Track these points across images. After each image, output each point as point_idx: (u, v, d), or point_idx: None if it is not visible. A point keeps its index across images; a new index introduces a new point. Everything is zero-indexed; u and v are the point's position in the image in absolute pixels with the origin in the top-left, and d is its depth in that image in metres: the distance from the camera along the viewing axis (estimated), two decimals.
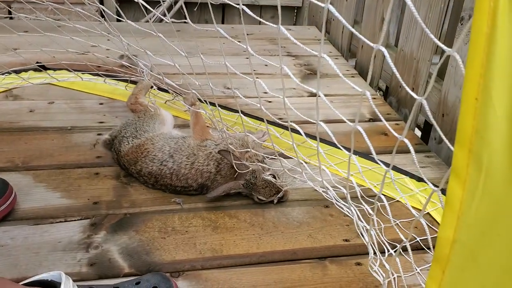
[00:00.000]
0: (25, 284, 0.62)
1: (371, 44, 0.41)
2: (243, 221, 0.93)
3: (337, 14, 0.44)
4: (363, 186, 0.98)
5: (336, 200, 0.96)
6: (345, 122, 0.61)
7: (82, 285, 0.66)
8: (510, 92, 0.37)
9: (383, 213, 0.95)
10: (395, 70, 0.46)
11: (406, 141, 0.53)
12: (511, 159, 0.39)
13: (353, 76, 1.70)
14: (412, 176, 1.09)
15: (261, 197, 0.96)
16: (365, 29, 1.77)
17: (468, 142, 0.39)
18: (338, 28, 2.03)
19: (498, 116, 0.37)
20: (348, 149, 0.57)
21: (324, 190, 0.98)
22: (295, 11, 2.52)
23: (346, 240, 0.90)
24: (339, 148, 1.15)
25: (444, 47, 0.38)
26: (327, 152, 1.14)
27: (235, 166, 0.95)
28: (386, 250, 0.85)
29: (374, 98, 1.55)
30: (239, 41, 0.85)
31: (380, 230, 0.90)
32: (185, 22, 0.80)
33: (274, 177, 0.96)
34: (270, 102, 1.42)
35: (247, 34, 1.95)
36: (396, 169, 1.12)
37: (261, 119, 1.27)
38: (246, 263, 0.84)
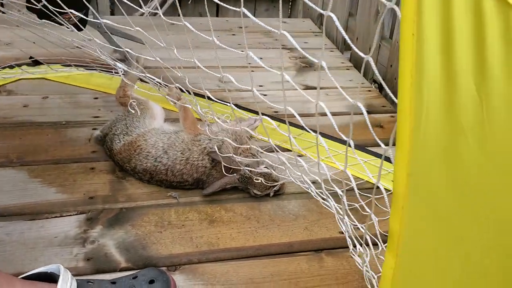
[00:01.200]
0: (24, 278, 0.63)
1: (363, 55, 0.43)
2: (239, 215, 0.94)
3: (341, 29, 0.45)
4: (360, 178, 0.99)
5: (323, 197, 0.96)
6: (340, 115, 0.61)
7: (80, 279, 0.66)
8: (440, 26, 0.41)
9: (378, 205, 0.96)
10: (380, 79, 0.46)
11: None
12: (446, 89, 0.42)
13: (348, 69, 1.70)
14: None
15: (256, 191, 0.96)
16: (360, 22, 1.77)
17: (409, 76, 0.43)
18: (333, 20, 2.02)
19: (431, 49, 0.41)
20: (345, 142, 0.57)
21: (306, 187, 0.98)
22: (290, 3, 2.51)
23: (342, 233, 0.90)
24: (335, 141, 1.16)
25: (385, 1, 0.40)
26: (321, 145, 1.14)
27: (223, 169, 0.94)
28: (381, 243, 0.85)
29: (369, 91, 1.55)
30: (234, 34, 0.84)
31: (375, 223, 0.91)
32: (178, 15, 0.80)
33: (269, 170, 0.96)
34: (265, 95, 1.42)
35: (240, 28, 1.94)
36: (390, 161, 1.12)
37: (256, 112, 1.27)
38: (243, 256, 0.84)
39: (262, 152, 0.97)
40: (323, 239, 0.89)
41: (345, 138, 0.59)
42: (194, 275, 0.79)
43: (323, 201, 0.95)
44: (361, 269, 0.82)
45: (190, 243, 0.85)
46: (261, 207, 0.96)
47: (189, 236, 0.87)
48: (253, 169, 0.96)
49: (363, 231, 0.69)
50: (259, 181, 0.95)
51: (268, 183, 0.95)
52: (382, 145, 0.52)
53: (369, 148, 1.14)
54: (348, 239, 0.81)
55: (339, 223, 0.90)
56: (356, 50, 0.45)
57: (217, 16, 2.44)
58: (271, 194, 0.98)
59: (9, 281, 0.58)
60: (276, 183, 0.96)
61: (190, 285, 0.77)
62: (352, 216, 0.81)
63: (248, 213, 0.94)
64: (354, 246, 0.80)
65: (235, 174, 0.96)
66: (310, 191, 0.93)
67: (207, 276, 0.79)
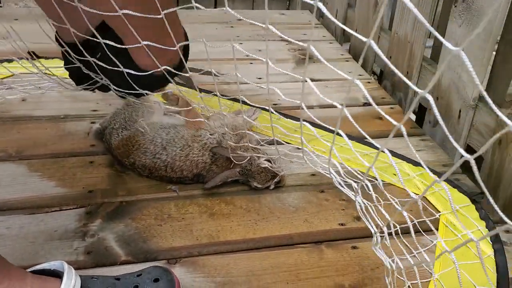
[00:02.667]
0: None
1: (364, 39, 0.40)
2: (239, 207, 0.94)
3: (333, 19, 0.43)
4: (360, 170, 0.99)
5: (340, 181, 0.96)
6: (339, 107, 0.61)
7: (84, 275, 0.66)
8: None
9: (379, 197, 0.96)
10: (387, 61, 0.45)
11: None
12: None
13: (347, 61, 1.70)
14: (408, 160, 1.09)
15: (257, 184, 0.96)
16: (358, 13, 1.76)
17: None
18: (331, 12, 2.01)
19: None
20: (347, 136, 0.57)
21: (326, 172, 0.98)
22: None
23: (342, 224, 0.90)
24: (335, 134, 1.15)
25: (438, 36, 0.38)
26: (324, 138, 1.14)
27: (234, 160, 0.94)
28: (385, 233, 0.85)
29: (369, 82, 1.54)
30: (232, 26, 0.84)
31: (378, 213, 0.91)
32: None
33: (270, 162, 0.96)
34: (264, 88, 1.41)
35: (239, 20, 1.93)
36: (392, 153, 1.12)
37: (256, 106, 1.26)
38: (243, 249, 0.84)
39: (262, 145, 0.97)
40: (323, 231, 0.89)
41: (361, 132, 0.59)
42: (194, 267, 0.79)
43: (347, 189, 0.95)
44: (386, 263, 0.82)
45: (190, 236, 0.86)
46: (261, 199, 0.96)
47: (189, 229, 0.87)
48: (259, 152, 0.96)
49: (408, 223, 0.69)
50: (262, 170, 0.95)
51: (273, 167, 0.95)
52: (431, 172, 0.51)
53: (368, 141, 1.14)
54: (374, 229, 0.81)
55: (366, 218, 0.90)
56: (356, 35, 0.44)
57: (215, 7, 2.43)
58: (272, 186, 0.98)
59: (20, 275, 0.59)
60: (276, 175, 0.96)
61: (190, 278, 0.77)
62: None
63: (248, 205, 0.94)
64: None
65: (236, 168, 0.96)
66: (332, 177, 0.93)
67: (208, 268, 0.79)
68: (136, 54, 0.64)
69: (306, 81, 0.53)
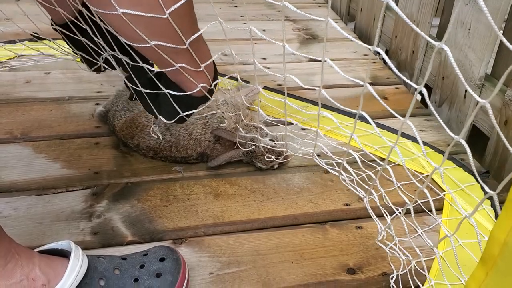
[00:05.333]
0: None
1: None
2: (244, 188, 0.94)
3: None
4: (364, 150, 0.98)
5: (339, 171, 0.96)
6: (345, 87, 0.60)
7: (91, 254, 0.67)
8: None
9: (385, 175, 0.96)
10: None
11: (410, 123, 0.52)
12: None
13: (352, 40, 1.68)
14: (414, 140, 1.09)
15: (261, 165, 0.96)
16: None
17: None
18: None
19: None
20: (350, 114, 0.56)
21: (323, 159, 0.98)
22: None
23: (347, 205, 0.91)
24: (340, 113, 1.15)
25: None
26: (327, 117, 1.13)
27: (238, 143, 0.94)
28: (387, 214, 0.86)
29: (374, 62, 1.53)
30: (236, 6, 0.83)
31: (382, 194, 0.91)
32: None
33: (273, 141, 0.96)
34: (268, 68, 1.41)
35: None
36: (397, 132, 1.12)
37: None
38: (248, 229, 0.85)
39: (265, 124, 0.97)
40: (327, 211, 0.89)
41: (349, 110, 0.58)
42: (200, 247, 0.80)
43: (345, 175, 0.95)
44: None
45: (195, 217, 0.86)
46: (265, 180, 0.96)
47: (195, 209, 0.88)
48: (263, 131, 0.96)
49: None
50: (266, 150, 0.95)
51: (271, 157, 0.95)
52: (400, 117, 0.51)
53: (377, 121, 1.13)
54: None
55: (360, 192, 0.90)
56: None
57: None
58: (276, 166, 0.98)
59: (28, 254, 0.59)
60: (280, 156, 0.96)
61: (196, 257, 0.78)
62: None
63: (252, 186, 0.94)
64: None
65: (240, 148, 0.96)
66: (319, 163, 0.93)
67: (213, 248, 0.80)
68: (186, 86, 0.67)
69: (326, 61, 0.52)
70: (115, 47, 0.66)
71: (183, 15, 0.54)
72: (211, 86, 0.68)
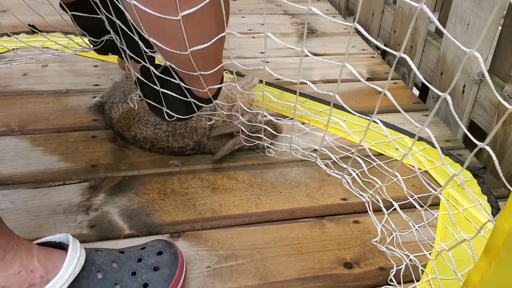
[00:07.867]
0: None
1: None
2: (242, 182, 0.94)
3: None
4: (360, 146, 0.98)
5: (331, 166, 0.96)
6: (343, 82, 0.60)
7: (88, 247, 0.67)
8: None
9: (381, 170, 0.96)
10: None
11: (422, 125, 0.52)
12: None
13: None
14: (411, 135, 1.09)
15: (265, 142, 0.98)
16: None
17: None
18: None
19: None
20: (348, 110, 0.56)
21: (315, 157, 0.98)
22: None
23: (344, 199, 0.91)
24: (338, 108, 1.15)
25: None
26: (325, 112, 1.13)
27: (244, 134, 0.95)
28: (384, 207, 0.86)
29: (372, 57, 1.53)
30: (234, 0, 0.83)
31: (379, 189, 0.91)
32: None
33: (270, 121, 0.98)
34: (267, 62, 1.40)
35: None
36: (395, 128, 1.12)
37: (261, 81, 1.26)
38: (245, 223, 0.85)
39: (251, 105, 0.97)
40: (325, 205, 0.89)
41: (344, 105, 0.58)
42: (198, 241, 0.80)
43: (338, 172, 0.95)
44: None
45: (193, 210, 0.86)
46: (263, 174, 0.96)
47: (192, 203, 0.88)
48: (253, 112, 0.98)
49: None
50: (265, 131, 0.96)
51: (269, 131, 0.97)
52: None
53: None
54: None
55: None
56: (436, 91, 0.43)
57: None
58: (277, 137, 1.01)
59: (27, 246, 0.60)
60: (277, 128, 0.99)
61: (194, 251, 0.78)
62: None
63: (250, 180, 0.95)
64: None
65: (239, 134, 0.97)
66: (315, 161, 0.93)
67: (211, 242, 0.80)
68: (197, 91, 0.72)
69: (344, 66, 0.52)
70: (139, 41, 0.68)
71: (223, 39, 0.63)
72: (217, 91, 0.74)
